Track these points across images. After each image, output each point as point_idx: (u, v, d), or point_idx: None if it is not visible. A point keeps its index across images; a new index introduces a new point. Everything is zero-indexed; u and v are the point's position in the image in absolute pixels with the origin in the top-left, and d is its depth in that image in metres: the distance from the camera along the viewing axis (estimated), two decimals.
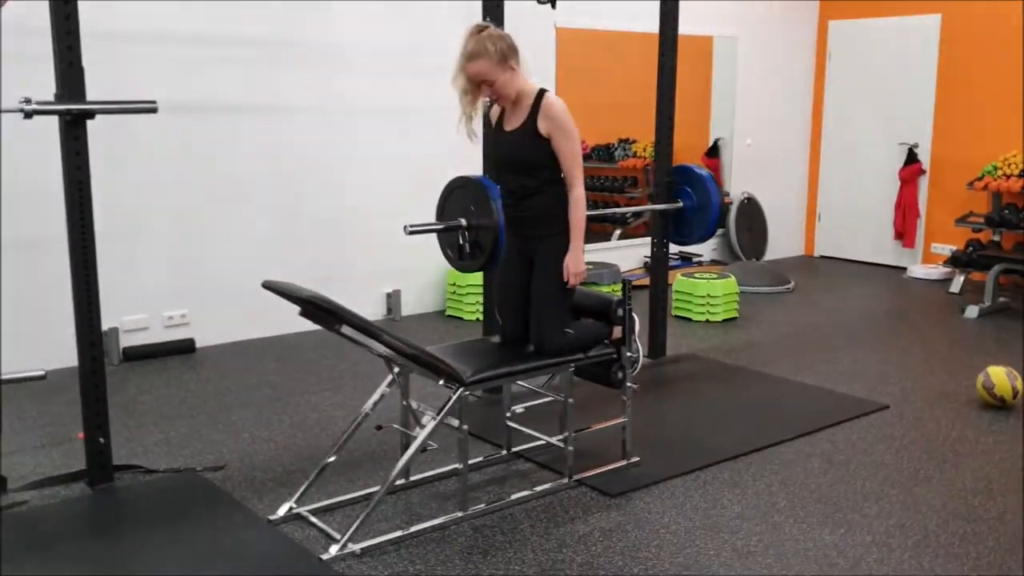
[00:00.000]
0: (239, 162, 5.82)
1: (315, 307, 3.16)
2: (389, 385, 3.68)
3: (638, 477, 3.86)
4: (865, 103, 8.82)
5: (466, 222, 4.45)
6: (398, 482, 3.65)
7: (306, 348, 5.81)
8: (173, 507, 3.58)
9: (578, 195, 3.63)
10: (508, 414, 4.05)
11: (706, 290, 6.64)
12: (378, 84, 6.33)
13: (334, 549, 3.19)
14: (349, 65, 6.20)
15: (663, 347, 5.67)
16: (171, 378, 5.21)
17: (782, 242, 9.18)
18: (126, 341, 5.53)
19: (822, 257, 9.32)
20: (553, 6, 5.17)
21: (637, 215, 8.34)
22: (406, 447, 3.67)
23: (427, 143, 6.52)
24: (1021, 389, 4.72)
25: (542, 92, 3.59)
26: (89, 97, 3.48)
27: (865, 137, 8.85)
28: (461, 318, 6.59)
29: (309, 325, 5.83)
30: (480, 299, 6.46)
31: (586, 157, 8.10)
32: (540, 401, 4.11)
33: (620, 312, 3.84)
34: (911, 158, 8.43)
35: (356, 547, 3.22)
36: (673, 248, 5.68)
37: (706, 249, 8.58)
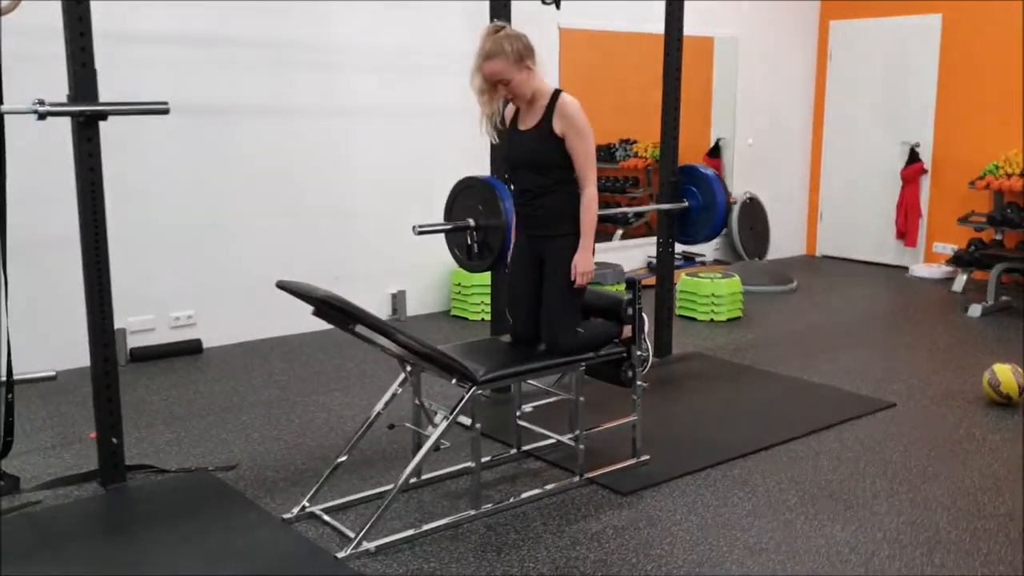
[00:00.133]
0: (245, 163, 5.84)
1: (330, 307, 3.17)
2: (401, 384, 3.69)
3: (648, 475, 3.88)
4: (866, 103, 8.85)
5: (474, 222, 4.49)
6: (410, 481, 3.66)
7: (312, 348, 5.82)
8: (186, 507, 3.59)
9: (590, 195, 3.65)
10: (518, 413, 4.06)
11: (710, 289, 6.66)
12: (384, 85, 6.35)
13: (349, 547, 3.20)
14: (354, 66, 6.21)
15: (669, 346, 5.69)
16: (179, 379, 5.22)
17: (784, 242, 9.21)
18: (133, 342, 5.54)
19: (824, 257, 9.34)
20: (557, 7, 5.19)
21: (639, 215, 8.36)
22: (418, 446, 3.69)
23: (432, 144, 6.56)
24: None
25: (557, 92, 3.62)
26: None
27: (866, 136, 8.88)
28: (466, 318, 6.61)
29: (315, 325, 5.89)
30: (485, 299, 6.48)
31: None
32: (548, 400, 4.13)
33: (630, 311, 3.86)
34: (913, 157, 8.46)
35: (370, 545, 3.24)
36: (676, 248, 5.69)
37: (709, 249, 8.61)
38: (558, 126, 3.57)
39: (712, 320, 6.66)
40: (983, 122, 7.99)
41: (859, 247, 9.07)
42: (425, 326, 6.35)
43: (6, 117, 3.60)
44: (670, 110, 5.43)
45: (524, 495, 3.68)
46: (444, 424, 3.42)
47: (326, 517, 3.47)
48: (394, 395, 3.71)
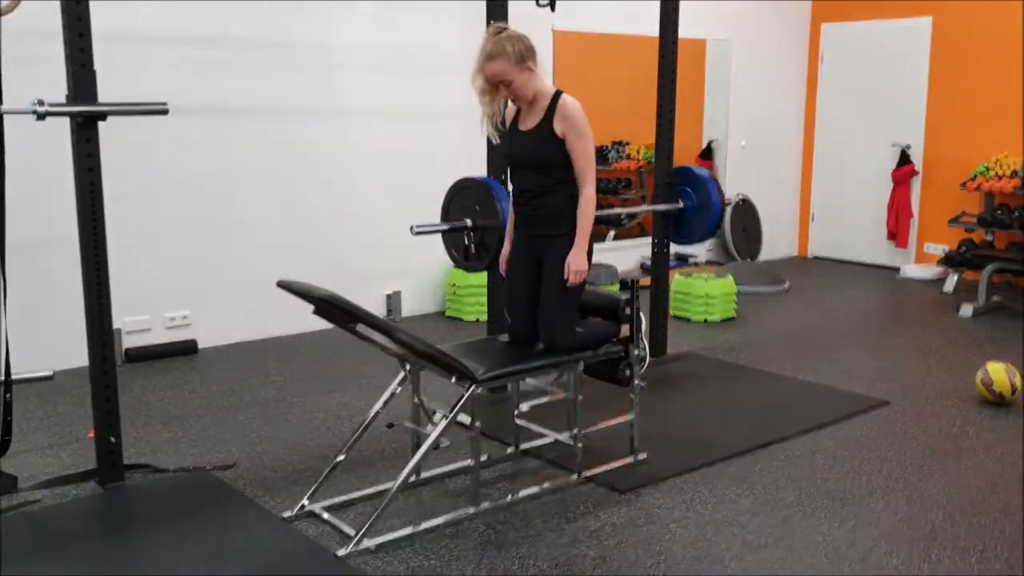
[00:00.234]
0: (239, 164, 5.84)
1: (331, 306, 3.18)
2: (400, 383, 3.70)
3: (646, 473, 3.90)
4: (858, 105, 8.90)
5: (471, 223, 4.51)
6: (409, 479, 3.66)
7: (308, 349, 5.83)
8: (185, 505, 3.60)
9: (589, 195, 3.67)
10: (516, 412, 4.08)
11: (704, 290, 6.68)
12: (380, 86, 6.36)
13: (349, 545, 3.21)
14: (349, 67, 6.22)
15: (663, 346, 5.71)
16: (175, 379, 5.22)
17: (776, 243, 9.25)
18: (128, 342, 5.54)
19: (815, 258, 9.39)
20: (552, 9, 5.20)
21: (631, 216, 8.39)
22: (417, 445, 3.71)
23: (428, 145, 6.58)
24: (1020, 385, 4.78)
25: (558, 93, 3.64)
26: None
27: (858, 138, 8.93)
28: (461, 319, 6.62)
29: (310, 326, 5.98)
30: (480, 300, 6.50)
31: None
32: (545, 400, 4.14)
33: (628, 311, 3.88)
34: (904, 159, 8.51)
35: (371, 543, 3.25)
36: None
37: (701, 250, 8.65)
38: (559, 126, 3.59)
39: (706, 320, 6.68)
40: (974, 124, 8.04)
41: (850, 248, 9.12)
42: (420, 327, 6.35)
43: (5, 117, 3.59)
44: (665, 112, 5.46)
45: (523, 493, 3.69)
46: (444, 422, 3.43)
47: (326, 515, 3.48)
48: (393, 394, 3.72)
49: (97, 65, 3.49)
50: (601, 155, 9.05)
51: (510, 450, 4.15)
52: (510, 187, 3.96)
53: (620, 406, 4.05)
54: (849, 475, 3.92)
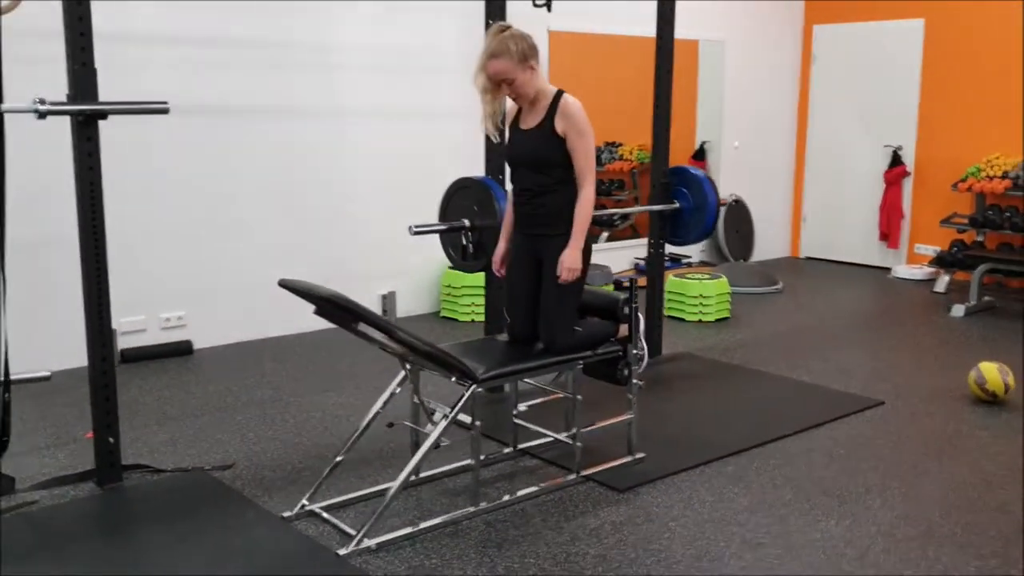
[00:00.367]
0: (237, 164, 5.84)
1: (334, 305, 3.18)
2: (400, 383, 3.71)
3: (644, 472, 3.92)
4: (850, 106, 8.95)
5: (469, 223, 4.52)
6: (409, 479, 3.67)
7: (304, 349, 5.83)
8: (184, 506, 3.59)
9: (587, 194, 3.69)
10: (514, 412, 4.09)
11: (699, 290, 6.71)
12: (378, 86, 6.37)
13: (350, 545, 3.22)
14: (352, 67, 6.23)
15: (659, 346, 5.73)
16: (171, 379, 5.21)
17: (768, 243, 9.29)
18: (123, 343, 5.53)
19: (807, 258, 9.43)
20: (548, 9, 5.22)
21: (624, 217, 8.41)
22: (416, 444, 3.72)
23: (426, 145, 6.59)
24: (1012, 384, 4.81)
25: (560, 93, 3.66)
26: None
27: (850, 140, 8.97)
28: (456, 319, 6.63)
29: (305, 326, 6.00)
30: (475, 300, 6.51)
31: None
32: (542, 399, 4.16)
33: (626, 311, 3.89)
34: (895, 160, 8.56)
35: (372, 542, 3.25)
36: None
37: (695, 251, 8.68)
38: (560, 125, 3.61)
39: (700, 321, 6.71)
40: (965, 125, 8.09)
41: (842, 249, 9.16)
42: (415, 327, 6.34)
43: (5, 116, 3.59)
44: (662, 112, 5.48)
45: (522, 492, 3.70)
46: (445, 422, 3.44)
47: (326, 515, 3.48)
48: (393, 394, 3.73)
49: (97, 65, 3.49)
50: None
51: (508, 450, 4.16)
52: (509, 186, 3.98)
53: (617, 406, 4.06)
54: (845, 474, 3.94)
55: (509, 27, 3.61)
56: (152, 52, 5.37)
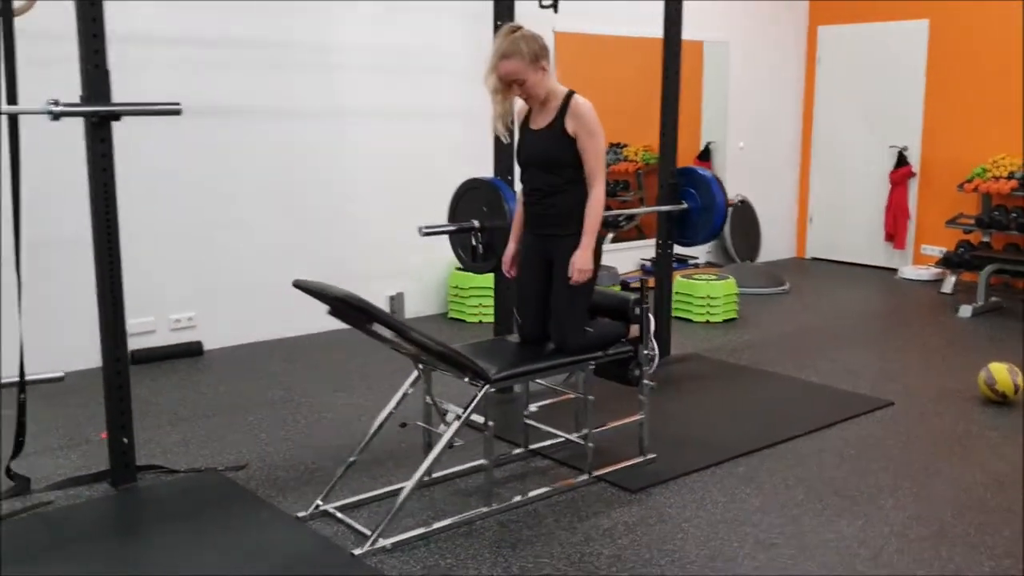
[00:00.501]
0: (242, 165, 5.85)
1: (348, 305, 3.19)
2: (413, 383, 3.72)
3: (656, 473, 3.93)
4: (855, 107, 8.95)
5: (479, 223, 4.53)
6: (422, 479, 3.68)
7: (313, 350, 5.84)
8: (199, 506, 3.61)
9: (598, 195, 3.70)
10: (525, 412, 4.10)
11: (706, 291, 6.72)
12: (382, 86, 6.38)
13: (366, 545, 3.23)
14: (352, 67, 6.24)
15: (667, 347, 5.74)
16: (182, 380, 5.23)
17: (774, 244, 9.29)
18: (133, 344, 5.48)
19: (813, 259, 9.43)
20: (555, 10, 5.22)
21: (630, 218, 8.41)
22: (429, 444, 3.73)
23: (429, 145, 6.60)
24: (1022, 385, 4.82)
25: (571, 93, 3.67)
26: None
27: (855, 140, 8.98)
28: (464, 320, 6.64)
29: (314, 327, 6.01)
30: (483, 301, 6.52)
31: None
32: (553, 400, 4.16)
33: (637, 311, 3.90)
34: (901, 161, 8.56)
35: (387, 542, 3.27)
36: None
37: (701, 251, 8.69)
38: (570, 125, 3.62)
39: (708, 321, 6.72)
40: (971, 126, 8.10)
41: (848, 249, 9.17)
42: (423, 328, 6.25)
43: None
44: (669, 112, 5.49)
45: (534, 493, 3.71)
46: (458, 422, 3.45)
47: (340, 515, 3.49)
48: (405, 394, 3.74)
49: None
50: None
51: (519, 450, 4.17)
52: (518, 187, 3.99)
53: (626, 406, 4.08)
54: (857, 474, 3.95)
55: (520, 28, 3.62)
56: (153, 52, 5.36)
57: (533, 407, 4.07)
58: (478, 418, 3.50)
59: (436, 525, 3.42)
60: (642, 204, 9.07)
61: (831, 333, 6.50)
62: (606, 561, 3.19)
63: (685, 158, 8.53)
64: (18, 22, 3.54)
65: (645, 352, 3.94)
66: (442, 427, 3.54)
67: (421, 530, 3.38)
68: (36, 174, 4.81)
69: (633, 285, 3.95)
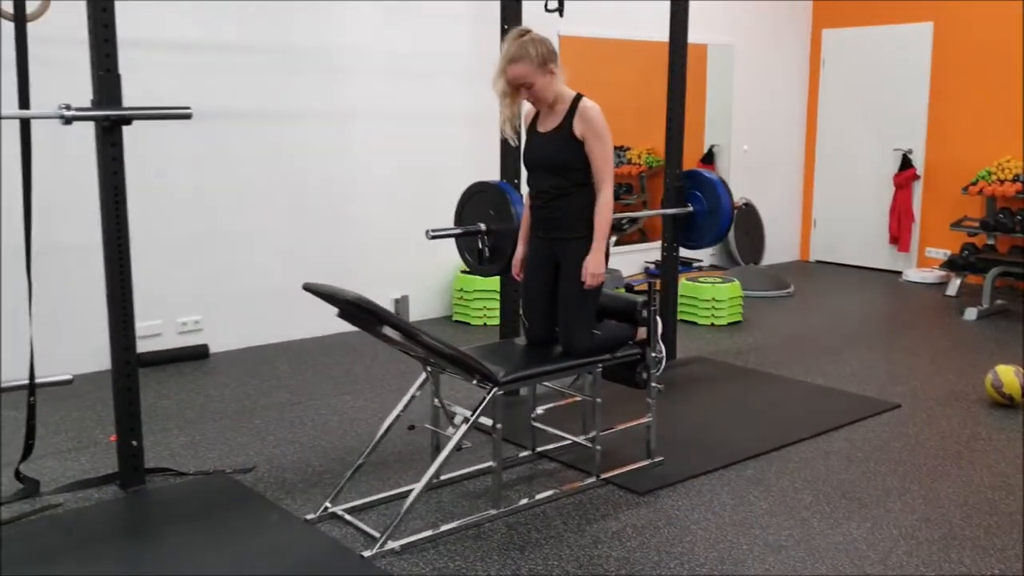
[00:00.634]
0: (248, 168, 5.86)
1: (358, 308, 3.20)
2: (421, 385, 3.73)
3: (664, 475, 3.93)
4: (859, 110, 8.96)
5: (485, 227, 4.53)
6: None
7: (318, 353, 5.85)
8: (208, 509, 3.62)
9: (607, 198, 3.71)
10: (533, 415, 4.10)
11: (711, 294, 6.72)
12: (388, 89, 6.39)
13: (375, 547, 3.23)
14: (356, 70, 6.25)
15: (673, 350, 5.75)
16: (188, 383, 5.23)
17: (778, 247, 9.29)
18: (140, 347, 5.48)
19: (817, 262, 9.43)
20: (561, 14, 5.24)
21: (633, 221, 8.42)
22: (437, 447, 3.74)
23: (435, 149, 6.61)
24: None
25: (579, 97, 3.67)
26: None
27: (859, 143, 8.98)
28: (468, 323, 6.65)
29: (319, 330, 6.02)
30: (487, 304, 6.53)
31: None
32: (560, 403, 4.17)
33: (645, 314, 3.91)
34: (905, 164, 8.57)
35: (395, 544, 3.27)
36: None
37: (705, 254, 8.69)
38: (578, 128, 3.63)
39: (713, 324, 6.72)
40: (975, 129, 8.10)
41: (852, 252, 9.17)
42: (428, 331, 6.35)
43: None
44: (675, 115, 5.49)
45: (542, 495, 3.71)
46: (466, 424, 3.46)
47: (348, 517, 3.50)
48: (413, 397, 3.75)
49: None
50: None
51: (526, 453, 4.17)
52: (525, 189, 3.99)
53: (633, 408, 4.09)
54: (864, 476, 3.95)
55: (529, 31, 3.63)
56: (156, 56, 5.35)
57: (540, 410, 4.08)
58: (486, 421, 3.51)
59: (444, 527, 3.42)
60: (645, 207, 9.08)
61: (836, 336, 6.50)
62: (615, 564, 3.19)
63: (689, 161, 8.54)
64: (29, 26, 3.55)
65: (653, 355, 3.95)
66: (450, 429, 3.55)
67: (429, 532, 3.38)
68: (46, 177, 4.85)
69: (638, 288, 3.96)
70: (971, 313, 6.93)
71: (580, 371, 3.88)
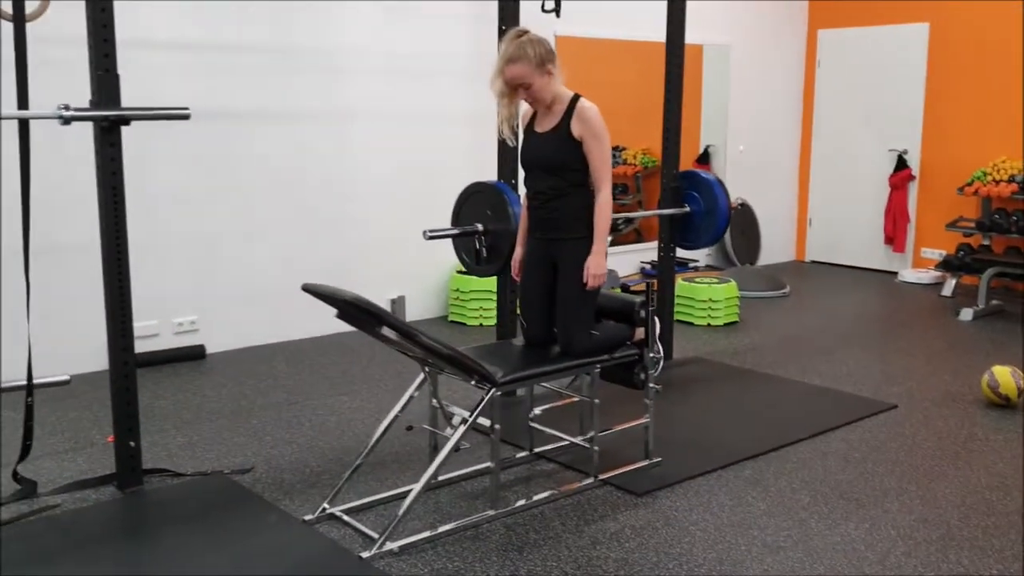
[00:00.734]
0: (246, 168, 5.85)
1: (357, 309, 3.20)
2: (419, 386, 3.73)
3: (662, 476, 3.93)
4: (855, 110, 8.98)
5: (482, 227, 4.54)
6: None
7: (315, 353, 5.84)
8: (206, 509, 3.61)
9: (605, 198, 3.71)
10: (531, 415, 4.10)
11: (708, 294, 6.73)
12: (385, 90, 6.38)
13: (373, 548, 3.23)
14: (356, 70, 6.24)
15: (670, 351, 5.75)
16: (185, 384, 5.23)
17: (774, 247, 9.31)
18: (136, 348, 5.50)
19: (813, 262, 9.45)
20: (557, 15, 5.24)
21: (628, 221, 8.43)
22: (435, 447, 3.74)
23: (434, 149, 6.61)
24: None
25: (576, 97, 3.68)
26: None
27: (855, 143, 9.00)
28: (464, 323, 6.65)
29: (316, 330, 6.01)
30: (483, 305, 6.53)
31: None
32: (557, 403, 4.17)
33: (643, 314, 3.91)
34: (901, 164, 8.59)
35: (394, 545, 3.27)
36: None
37: (701, 255, 8.70)
38: (576, 129, 3.63)
39: (709, 324, 6.73)
40: (971, 129, 8.12)
41: (848, 253, 9.19)
42: (425, 331, 6.35)
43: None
44: (672, 115, 5.50)
45: (540, 496, 3.72)
46: (464, 425, 3.46)
47: (346, 518, 3.50)
48: (411, 397, 3.75)
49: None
50: None
51: (523, 453, 4.17)
52: (522, 190, 4.00)
53: (631, 409, 4.09)
54: (862, 477, 3.96)
55: (527, 32, 3.63)
56: (157, 57, 5.35)
57: (538, 410, 4.08)
58: (484, 421, 3.51)
59: (443, 528, 3.42)
60: (641, 207, 9.08)
61: (832, 336, 6.51)
62: (613, 565, 3.19)
63: (685, 161, 8.51)
64: (28, 26, 3.54)
65: (651, 355, 3.95)
66: (448, 430, 3.55)
67: (428, 533, 3.38)
68: (44, 178, 4.84)
69: (634, 288, 3.96)
70: (967, 314, 6.95)
71: (578, 372, 3.88)
